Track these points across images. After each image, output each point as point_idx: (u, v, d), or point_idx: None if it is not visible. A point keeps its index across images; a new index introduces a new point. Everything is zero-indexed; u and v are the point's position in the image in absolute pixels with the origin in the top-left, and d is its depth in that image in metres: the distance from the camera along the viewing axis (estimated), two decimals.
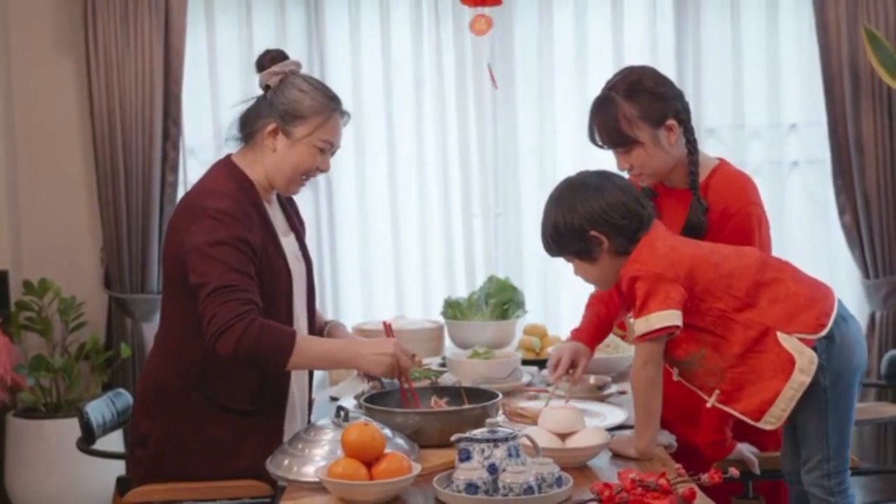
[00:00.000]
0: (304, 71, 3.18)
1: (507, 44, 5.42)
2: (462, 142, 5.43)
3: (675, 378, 2.79)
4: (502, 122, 5.45)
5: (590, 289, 3.39)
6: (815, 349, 2.67)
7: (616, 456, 2.76)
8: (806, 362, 2.66)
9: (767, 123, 5.44)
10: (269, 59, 3.10)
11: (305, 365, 3.02)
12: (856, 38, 5.16)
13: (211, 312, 2.84)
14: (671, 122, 2.99)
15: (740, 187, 3.04)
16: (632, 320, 2.80)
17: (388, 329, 3.13)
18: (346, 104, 5.33)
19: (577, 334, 3.28)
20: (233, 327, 2.82)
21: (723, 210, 3.00)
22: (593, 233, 2.75)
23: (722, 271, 2.72)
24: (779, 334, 2.67)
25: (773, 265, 2.80)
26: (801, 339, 2.67)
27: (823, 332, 2.68)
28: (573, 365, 3.17)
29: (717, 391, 2.73)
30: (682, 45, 5.41)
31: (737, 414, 2.73)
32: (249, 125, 3.09)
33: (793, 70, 5.44)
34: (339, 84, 5.28)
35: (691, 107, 3.13)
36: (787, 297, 2.71)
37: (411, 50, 5.41)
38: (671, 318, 2.66)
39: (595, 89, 3.11)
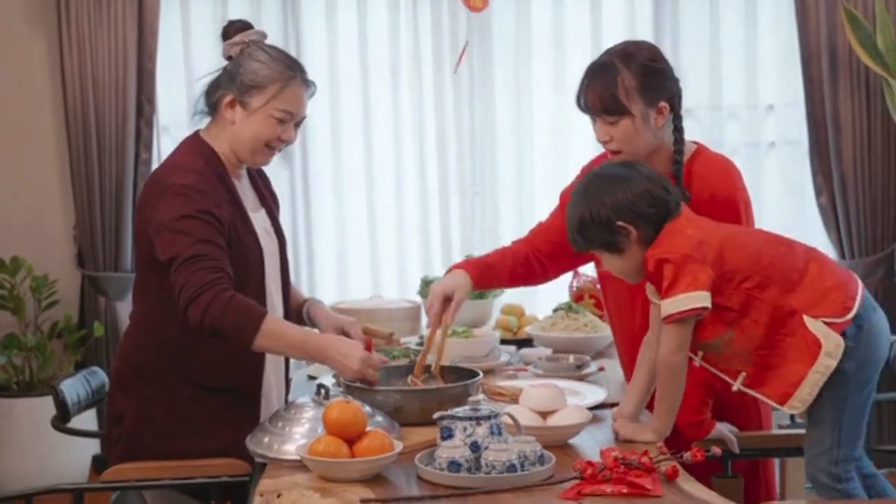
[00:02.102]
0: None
1: (485, 23, 5.39)
2: (439, 120, 5.41)
3: (698, 363, 2.75)
4: (479, 101, 5.43)
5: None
6: (843, 335, 2.64)
7: (627, 441, 2.72)
8: (832, 346, 2.62)
9: (745, 104, 5.45)
10: (234, 30, 3.07)
11: (271, 349, 2.93)
12: (834, 18, 5.17)
13: (181, 282, 2.80)
14: (663, 104, 2.95)
15: (726, 173, 3.00)
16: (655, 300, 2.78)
17: (367, 343, 3.02)
18: (322, 82, 5.29)
19: (462, 263, 3.21)
20: (202, 295, 2.77)
21: (710, 197, 2.95)
22: (620, 223, 2.69)
23: (750, 250, 2.69)
24: (805, 318, 2.64)
25: (800, 248, 2.78)
26: (827, 324, 2.64)
27: (849, 316, 2.65)
28: (447, 302, 3.09)
29: (744, 374, 2.71)
30: (660, 25, 5.41)
31: (762, 398, 2.70)
32: (211, 97, 3.06)
33: (770, 51, 5.45)
34: (314, 62, 5.29)
35: None
36: (813, 281, 2.68)
37: (388, 28, 5.38)
38: (700, 299, 2.62)
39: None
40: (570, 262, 3.32)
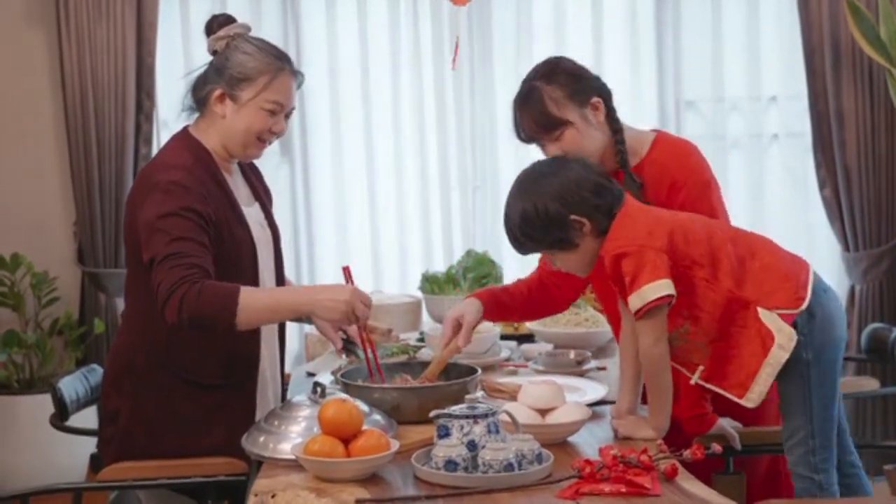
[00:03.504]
0: (279, 44, 3.13)
1: (486, 16, 5.38)
2: (440, 115, 5.39)
3: None
4: (480, 95, 5.41)
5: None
6: (795, 325, 2.64)
7: (627, 438, 2.70)
8: (785, 339, 2.62)
9: (747, 96, 5.42)
10: (217, 24, 3.05)
11: (258, 319, 2.87)
12: (837, 10, 5.14)
13: (157, 282, 2.78)
14: (596, 99, 2.94)
15: (684, 157, 2.98)
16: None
17: (347, 275, 3.00)
18: (322, 77, 5.26)
19: (477, 292, 3.22)
20: (175, 292, 2.74)
21: (671, 184, 2.94)
22: (573, 217, 2.67)
23: (698, 237, 2.68)
24: (759, 309, 2.64)
25: (747, 237, 2.77)
26: (780, 315, 2.64)
27: (803, 307, 2.65)
28: (458, 327, 3.08)
29: (701, 367, 2.70)
30: (661, 16, 5.38)
31: (721, 392, 2.69)
32: (199, 93, 3.04)
33: (773, 42, 5.42)
34: (314, 56, 5.27)
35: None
36: (764, 270, 2.68)
37: (388, 21, 5.36)
38: (664, 287, 2.60)
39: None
40: (582, 280, 3.24)
